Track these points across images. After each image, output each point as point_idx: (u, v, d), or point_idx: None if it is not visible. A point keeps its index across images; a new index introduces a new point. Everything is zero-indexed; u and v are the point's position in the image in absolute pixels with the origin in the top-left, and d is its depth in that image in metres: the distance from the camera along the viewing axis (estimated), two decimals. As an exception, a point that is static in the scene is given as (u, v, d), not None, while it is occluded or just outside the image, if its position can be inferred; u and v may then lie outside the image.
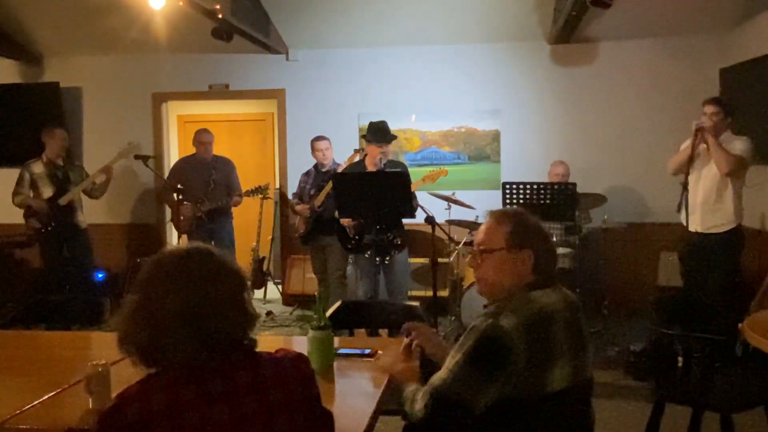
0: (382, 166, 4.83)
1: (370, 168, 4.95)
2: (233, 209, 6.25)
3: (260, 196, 6.24)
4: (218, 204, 5.97)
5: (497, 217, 2.06)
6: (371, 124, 5.04)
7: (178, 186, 6.03)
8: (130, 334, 1.46)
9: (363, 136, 5.28)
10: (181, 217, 5.92)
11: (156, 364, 1.46)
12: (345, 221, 4.95)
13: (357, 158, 5.42)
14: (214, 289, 1.47)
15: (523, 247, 1.98)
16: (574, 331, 1.94)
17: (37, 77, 7.25)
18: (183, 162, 6.29)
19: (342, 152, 5.75)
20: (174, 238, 7.41)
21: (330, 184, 5.31)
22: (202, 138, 6.15)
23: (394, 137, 5.08)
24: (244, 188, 6.17)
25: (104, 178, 6.04)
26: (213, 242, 5.59)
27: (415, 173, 5.24)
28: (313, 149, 5.74)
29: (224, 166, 6.19)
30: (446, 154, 6.80)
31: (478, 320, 1.91)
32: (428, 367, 2.17)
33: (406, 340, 2.33)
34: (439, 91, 6.75)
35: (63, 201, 5.86)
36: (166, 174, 7.27)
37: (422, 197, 5.11)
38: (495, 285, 2.02)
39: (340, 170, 5.38)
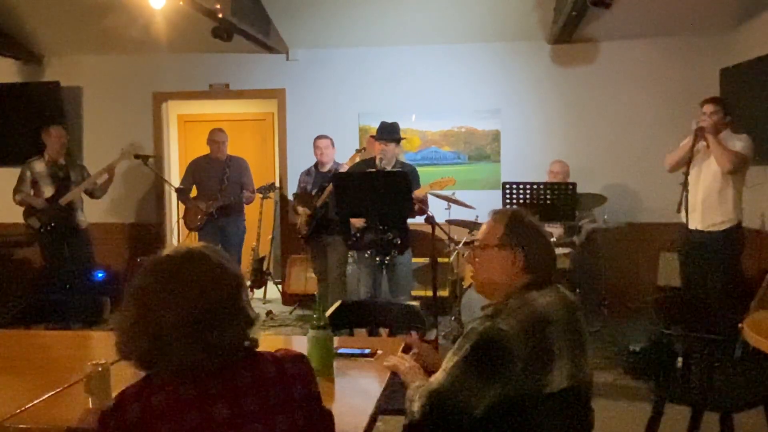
0: (382, 166, 4.82)
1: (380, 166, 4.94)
2: (246, 208, 6.35)
3: (270, 194, 6.34)
4: (229, 200, 6.03)
5: (494, 215, 2.09)
6: (382, 122, 5.04)
7: (181, 186, 6.12)
8: (130, 344, 1.45)
9: (372, 136, 5.29)
10: (198, 216, 6.07)
11: (156, 367, 1.46)
12: (355, 221, 4.94)
13: (358, 158, 5.42)
14: (212, 295, 1.45)
15: (515, 246, 1.99)
16: (573, 332, 1.94)
17: (38, 77, 7.25)
18: (198, 161, 6.37)
19: (342, 152, 5.75)
20: (175, 238, 7.42)
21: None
22: (215, 137, 6.26)
23: (399, 138, 5.07)
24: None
25: (106, 177, 6.06)
26: (221, 240, 5.74)
27: (422, 177, 5.21)
28: (314, 147, 5.79)
29: (238, 165, 6.30)
30: (446, 154, 6.80)
31: (475, 322, 1.92)
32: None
33: (405, 342, 2.35)
34: (439, 91, 6.75)
35: (63, 201, 5.86)
36: (168, 173, 7.31)
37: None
38: (486, 282, 2.06)
39: (341, 170, 5.38)
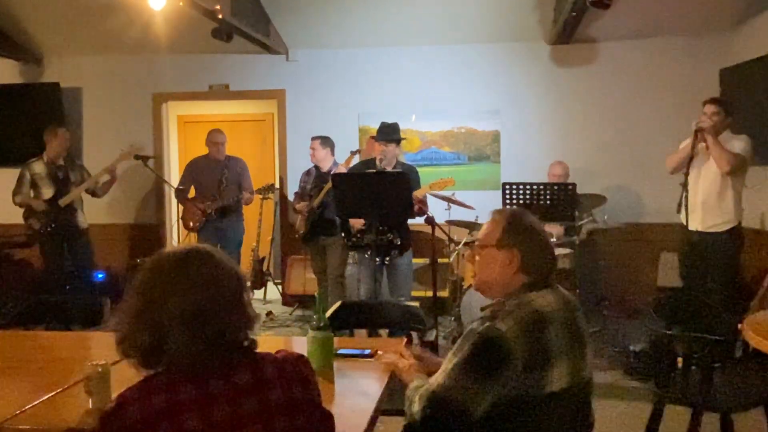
0: (382, 166, 4.82)
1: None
2: (246, 209, 6.35)
3: (270, 195, 6.33)
4: (228, 201, 6.03)
5: (495, 215, 2.10)
6: (382, 123, 5.04)
7: (180, 187, 6.12)
8: (131, 338, 1.46)
9: (372, 137, 5.29)
10: (197, 217, 6.06)
11: (157, 366, 1.46)
12: (355, 222, 4.94)
13: (353, 159, 5.43)
14: (214, 292, 1.47)
15: (512, 246, 2.00)
16: (573, 332, 1.94)
17: (38, 77, 7.26)
18: (196, 161, 6.36)
19: (342, 152, 5.74)
20: (174, 238, 7.42)
21: (330, 184, 5.31)
22: (214, 138, 6.24)
23: (400, 138, 5.07)
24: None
25: (108, 178, 6.06)
26: (220, 241, 5.74)
27: (421, 177, 5.20)
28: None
29: (236, 165, 6.28)
30: (446, 155, 6.80)
31: (474, 324, 1.92)
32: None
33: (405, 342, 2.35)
34: (439, 91, 6.76)
35: (63, 203, 5.87)
36: (167, 174, 7.31)
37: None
38: (485, 281, 2.07)
39: (338, 171, 5.38)
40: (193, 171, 6.29)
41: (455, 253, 5.68)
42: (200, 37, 6.21)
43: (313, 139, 5.79)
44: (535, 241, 2.02)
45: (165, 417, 1.39)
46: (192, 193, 6.28)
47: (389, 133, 4.95)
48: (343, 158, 5.69)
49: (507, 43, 6.60)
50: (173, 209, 7.46)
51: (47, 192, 5.90)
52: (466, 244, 5.52)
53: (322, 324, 2.24)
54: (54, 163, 5.94)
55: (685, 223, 4.59)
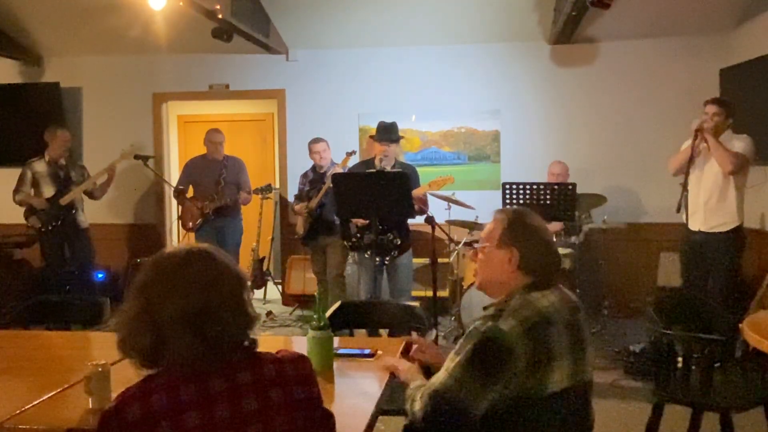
0: (381, 166, 4.82)
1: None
2: (245, 208, 6.35)
3: (268, 194, 6.33)
4: (226, 201, 6.03)
5: (498, 214, 2.11)
6: (380, 123, 5.03)
7: (180, 187, 6.12)
8: (132, 339, 1.46)
9: (371, 136, 5.29)
10: (195, 217, 6.06)
11: (157, 365, 1.46)
12: (357, 220, 4.94)
13: (350, 160, 5.43)
14: (214, 292, 1.47)
15: (511, 245, 2.00)
16: (574, 333, 1.94)
17: (38, 77, 7.26)
18: (194, 161, 6.35)
19: (342, 153, 5.75)
20: (174, 238, 7.42)
21: (327, 185, 5.31)
22: (212, 138, 6.23)
23: (399, 137, 5.07)
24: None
25: (106, 177, 6.07)
26: (219, 241, 5.73)
27: (421, 177, 5.21)
28: (310, 152, 5.76)
29: (235, 165, 6.27)
30: (446, 155, 6.80)
31: (477, 323, 1.92)
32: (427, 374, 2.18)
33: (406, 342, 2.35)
34: (439, 91, 6.75)
35: (64, 201, 5.88)
36: (168, 173, 7.31)
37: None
38: (486, 280, 2.08)
39: (333, 171, 5.37)
40: (191, 170, 6.28)
41: (455, 253, 5.68)
42: (200, 37, 6.22)
43: (319, 141, 5.75)
44: (535, 240, 2.02)
45: (165, 416, 1.40)
46: (190, 192, 6.28)
47: (388, 133, 4.95)
48: (339, 158, 5.70)
49: (507, 43, 6.59)
50: (173, 209, 7.46)
51: (48, 191, 5.91)
52: (466, 244, 5.52)
53: (322, 324, 2.24)
54: (55, 163, 5.95)
55: (685, 222, 4.59)
